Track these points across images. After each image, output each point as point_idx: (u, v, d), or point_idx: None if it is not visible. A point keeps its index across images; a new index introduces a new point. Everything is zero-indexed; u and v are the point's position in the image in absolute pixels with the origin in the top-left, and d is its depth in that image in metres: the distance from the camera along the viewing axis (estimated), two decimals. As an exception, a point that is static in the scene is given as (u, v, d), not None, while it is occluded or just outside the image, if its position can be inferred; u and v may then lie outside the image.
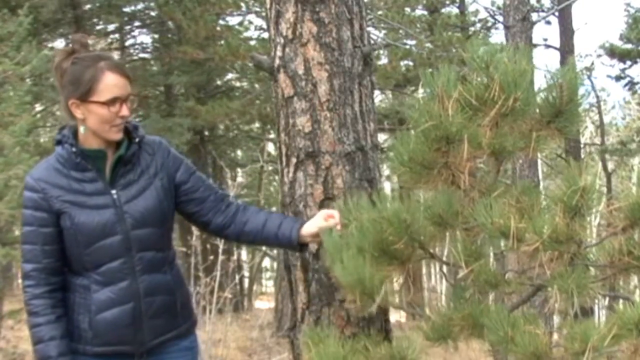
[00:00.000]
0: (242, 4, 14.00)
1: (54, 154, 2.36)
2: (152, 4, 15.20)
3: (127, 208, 2.32)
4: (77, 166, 2.32)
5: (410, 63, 13.22)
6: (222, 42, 12.78)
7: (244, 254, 22.58)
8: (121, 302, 2.31)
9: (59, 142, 2.36)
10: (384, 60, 13.34)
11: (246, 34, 14.97)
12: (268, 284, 27.92)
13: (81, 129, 2.33)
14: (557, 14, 13.78)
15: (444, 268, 2.50)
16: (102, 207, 2.30)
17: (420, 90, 2.13)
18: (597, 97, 16.87)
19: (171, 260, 2.45)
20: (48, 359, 2.28)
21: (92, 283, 2.31)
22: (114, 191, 2.33)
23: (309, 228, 2.43)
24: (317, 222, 2.42)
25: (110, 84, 2.27)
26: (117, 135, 2.33)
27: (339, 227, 2.36)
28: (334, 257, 2.19)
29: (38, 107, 14.38)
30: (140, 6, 15.79)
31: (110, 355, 2.35)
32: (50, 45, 14.73)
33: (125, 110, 2.30)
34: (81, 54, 2.32)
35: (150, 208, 2.35)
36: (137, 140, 2.38)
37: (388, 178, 17.63)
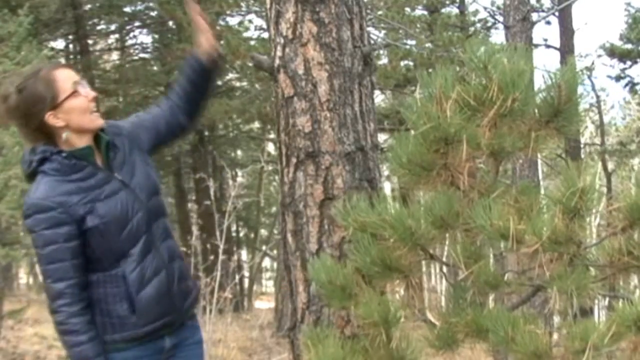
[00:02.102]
0: (242, 4, 14.01)
1: (42, 175, 2.33)
2: (152, 4, 15.20)
3: (134, 185, 2.38)
4: (74, 168, 2.33)
5: (410, 63, 13.21)
6: (222, 41, 12.77)
7: (244, 254, 22.58)
8: (155, 273, 2.36)
9: (44, 159, 2.33)
10: (384, 60, 13.34)
11: (246, 34, 14.97)
12: (268, 284, 27.92)
13: (64, 137, 2.33)
14: (557, 14, 13.77)
15: (444, 268, 2.50)
16: (116, 192, 2.35)
17: (418, 91, 2.13)
18: (597, 97, 16.86)
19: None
20: None
21: (127, 266, 2.33)
22: (116, 174, 2.38)
23: (198, 45, 2.54)
24: (197, 35, 2.55)
25: (63, 77, 2.32)
26: (100, 121, 2.38)
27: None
28: (339, 294, 2.23)
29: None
30: (140, 6, 15.79)
31: (153, 333, 2.38)
32: (50, 45, 14.73)
33: (91, 91, 2.35)
34: (19, 84, 2.31)
35: (148, 178, 2.43)
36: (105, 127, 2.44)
37: (388, 178, 17.63)
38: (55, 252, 2.28)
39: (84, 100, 2.32)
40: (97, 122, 2.37)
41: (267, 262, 26.29)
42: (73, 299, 2.29)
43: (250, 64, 10.52)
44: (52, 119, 2.30)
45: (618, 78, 17.03)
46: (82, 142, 2.35)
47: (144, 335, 2.37)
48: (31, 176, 2.36)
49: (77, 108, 2.31)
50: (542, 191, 2.29)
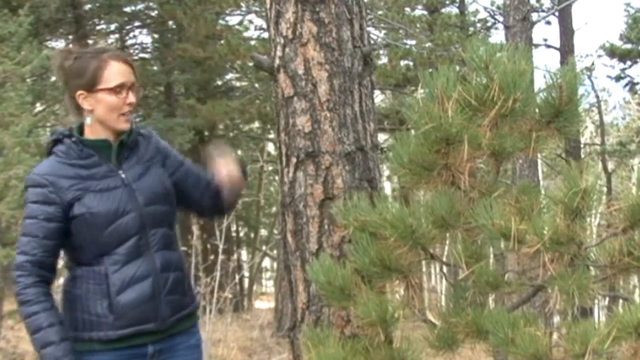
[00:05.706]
0: (242, 4, 14.01)
1: (52, 156, 2.39)
2: (152, 4, 15.20)
3: (136, 186, 2.37)
4: (80, 154, 2.36)
5: (410, 63, 13.21)
6: (222, 41, 12.78)
7: (244, 254, 22.58)
8: (140, 278, 2.33)
9: (57, 141, 2.39)
10: (384, 60, 13.34)
11: (246, 34, 14.96)
12: (268, 284, 27.91)
13: (88, 121, 2.37)
14: (557, 14, 13.77)
15: (444, 268, 2.50)
16: (113, 188, 2.34)
17: (420, 91, 2.12)
18: (598, 97, 16.87)
19: (177, 239, 2.51)
20: (50, 345, 2.25)
21: (110, 265, 2.32)
22: (121, 171, 2.37)
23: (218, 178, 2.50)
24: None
25: (115, 70, 2.34)
26: (125, 125, 2.37)
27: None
28: (337, 295, 2.23)
29: (39, 107, 14.39)
30: (140, 6, 15.78)
31: (132, 337, 2.34)
32: (51, 45, 14.73)
33: (132, 97, 2.36)
34: (83, 50, 2.41)
35: (156, 186, 2.40)
36: (133, 129, 2.44)
37: (388, 178, 17.63)
38: (31, 226, 2.31)
39: (117, 100, 2.33)
40: (123, 125, 2.36)
41: (267, 262, 26.29)
42: (30, 273, 2.29)
43: (250, 64, 10.53)
44: (81, 99, 2.35)
45: (618, 78, 17.02)
46: (104, 133, 2.38)
47: (119, 339, 2.33)
48: (48, 156, 2.42)
49: (107, 104, 2.33)
50: (542, 191, 2.29)
